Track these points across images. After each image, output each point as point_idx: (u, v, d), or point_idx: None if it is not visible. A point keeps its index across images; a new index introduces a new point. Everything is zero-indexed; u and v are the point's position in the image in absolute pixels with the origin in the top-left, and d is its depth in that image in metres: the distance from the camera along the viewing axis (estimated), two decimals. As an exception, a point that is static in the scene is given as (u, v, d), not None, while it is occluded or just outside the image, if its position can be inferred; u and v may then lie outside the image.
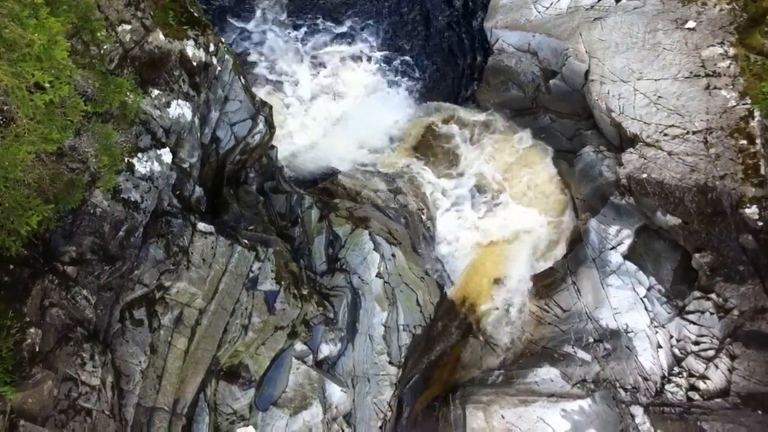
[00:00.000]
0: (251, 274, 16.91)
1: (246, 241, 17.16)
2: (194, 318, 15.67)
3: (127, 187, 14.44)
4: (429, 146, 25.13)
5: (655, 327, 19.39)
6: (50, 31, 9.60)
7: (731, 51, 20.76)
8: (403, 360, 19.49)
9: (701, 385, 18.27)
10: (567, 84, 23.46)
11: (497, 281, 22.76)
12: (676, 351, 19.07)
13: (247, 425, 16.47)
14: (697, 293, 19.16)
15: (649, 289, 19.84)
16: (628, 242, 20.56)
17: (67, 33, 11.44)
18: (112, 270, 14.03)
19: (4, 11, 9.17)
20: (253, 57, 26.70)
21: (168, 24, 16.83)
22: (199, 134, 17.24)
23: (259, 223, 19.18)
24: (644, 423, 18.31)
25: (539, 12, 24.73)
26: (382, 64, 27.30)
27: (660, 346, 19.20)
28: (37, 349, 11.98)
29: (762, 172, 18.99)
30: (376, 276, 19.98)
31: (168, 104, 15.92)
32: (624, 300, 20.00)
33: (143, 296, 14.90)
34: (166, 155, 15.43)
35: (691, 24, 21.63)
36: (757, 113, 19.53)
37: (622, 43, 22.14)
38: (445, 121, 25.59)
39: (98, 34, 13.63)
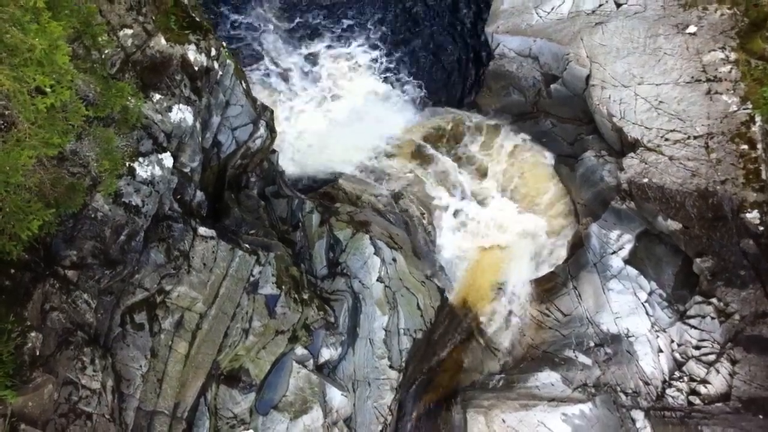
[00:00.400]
0: (252, 279, 16.92)
1: (247, 245, 17.17)
2: (195, 322, 15.68)
3: (128, 192, 14.46)
4: (429, 151, 25.12)
5: (656, 331, 19.36)
6: (51, 35, 9.61)
7: (732, 56, 20.76)
8: (403, 364, 19.48)
9: (702, 389, 18.23)
10: (568, 89, 23.46)
11: (498, 285, 22.75)
12: (677, 355, 19.04)
13: (248, 429, 16.47)
14: (698, 298, 19.13)
15: (650, 294, 19.82)
16: (629, 247, 20.54)
17: (68, 37, 11.46)
18: (112, 274, 14.05)
19: (6, 16, 9.20)
20: (252, 61, 26.76)
21: (170, 28, 16.88)
22: (200, 139, 17.28)
23: (260, 228, 19.20)
24: (645, 427, 18.27)
25: (540, 17, 24.75)
26: (382, 69, 27.34)
27: (661, 351, 19.17)
28: (38, 353, 12.00)
29: (763, 177, 18.98)
30: (377, 280, 19.99)
31: (169, 109, 15.96)
32: (625, 304, 19.97)
33: (144, 300, 14.92)
34: (168, 160, 15.46)
35: (692, 29, 21.64)
36: (758, 118, 19.52)
37: (623, 48, 22.15)
38: (446, 127, 25.61)
39: (100, 39, 13.63)
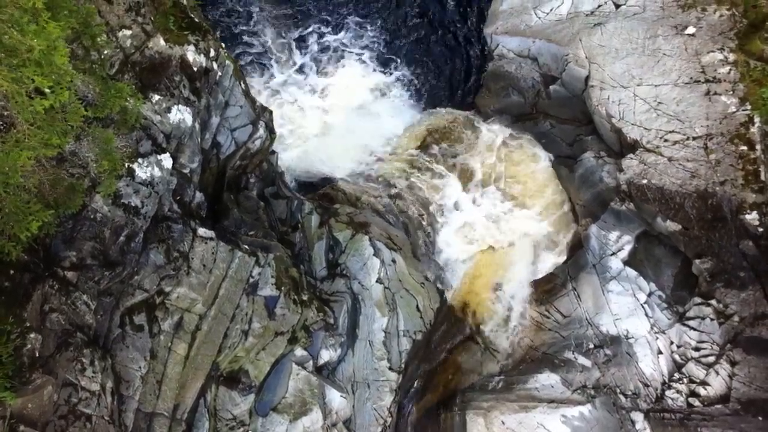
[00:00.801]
0: (251, 280, 16.90)
1: (246, 246, 17.15)
2: (194, 323, 15.65)
3: (128, 193, 14.43)
4: (428, 152, 25.11)
5: (656, 333, 19.36)
6: (50, 36, 9.59)
7: (731, 57, 20.78)
8: (403, 366, 19.46)
9: (701, 391, 18.22)
10: (567, 89, 23.46)
11: (497, 287, 22.75)
12: (677, 357, 19.04)
13: (247, 431, 16.45)
14: (697, 299, 19.13)
15: (649, 295, 19.82)
16: (628, 248, 20.54)
17: (67, 38, 11.43)
18: (112, 275, 14.02)
19: (4, 17, 9.18)
20: (251, 61, 26.74)
21: (169, 29, 16.85)
22: (199, 139, 17.25)
23: (260, 229, 19.18)
24: (644, 429, 18.27)
25: (539, 18, 24.75)
26: (382, 70, 27.34)
27: (660, 352, 19.17)
28: (37, 355, 11.96)
29: (762, 178, 18.99)
30: (376, 281, 19.96)
31: (168, 109, 15.94)
32: (624, 306, 19.97)
33: (143, 301, 14.89)
34: (167, 160, 15.44)
35: (690, 30, 21.65)
36: (757, 119, 19.53)
37: (622, 49, 22.15)
38: (445, 127, 25.61)
39: (99, 40, 13.62)
